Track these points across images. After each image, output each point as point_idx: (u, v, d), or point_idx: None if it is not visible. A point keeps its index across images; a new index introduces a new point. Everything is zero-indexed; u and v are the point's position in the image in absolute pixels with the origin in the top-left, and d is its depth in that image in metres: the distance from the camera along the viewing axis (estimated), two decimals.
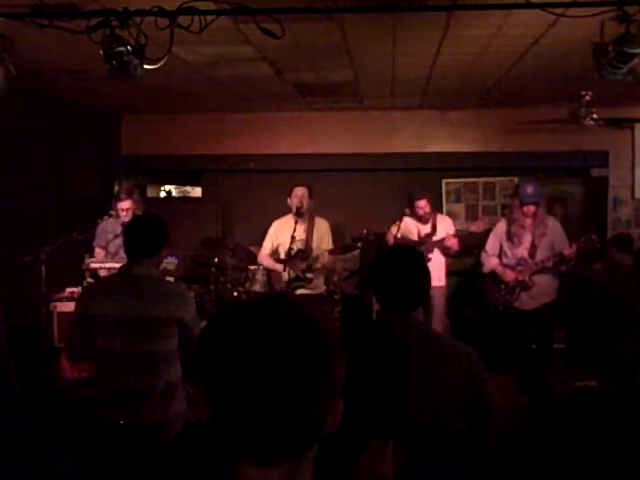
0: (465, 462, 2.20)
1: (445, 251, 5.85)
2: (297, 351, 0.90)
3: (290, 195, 5.65)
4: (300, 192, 5.62)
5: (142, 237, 3.04)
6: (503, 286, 5.45)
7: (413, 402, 2.06)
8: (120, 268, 3.19)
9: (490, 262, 5.53)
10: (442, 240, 5.82)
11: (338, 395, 0.96)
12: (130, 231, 3.08)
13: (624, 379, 4.77)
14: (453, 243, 5.75)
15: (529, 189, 5.28)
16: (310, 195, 5.64)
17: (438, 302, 5.75)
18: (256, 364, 0.89)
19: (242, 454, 0.93)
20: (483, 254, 5.62)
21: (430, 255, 5.65)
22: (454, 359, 2.20)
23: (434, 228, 5.96)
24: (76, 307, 3.13)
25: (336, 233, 5.96)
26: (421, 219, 5.98)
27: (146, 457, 2.92)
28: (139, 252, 3.01)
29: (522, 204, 5.30)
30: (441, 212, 7.01)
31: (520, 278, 5.34)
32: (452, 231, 5.87)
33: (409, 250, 2.53)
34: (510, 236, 5.44)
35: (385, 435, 1.55)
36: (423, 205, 5.89)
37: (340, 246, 5.95)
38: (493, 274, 5.54)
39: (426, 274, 2.36)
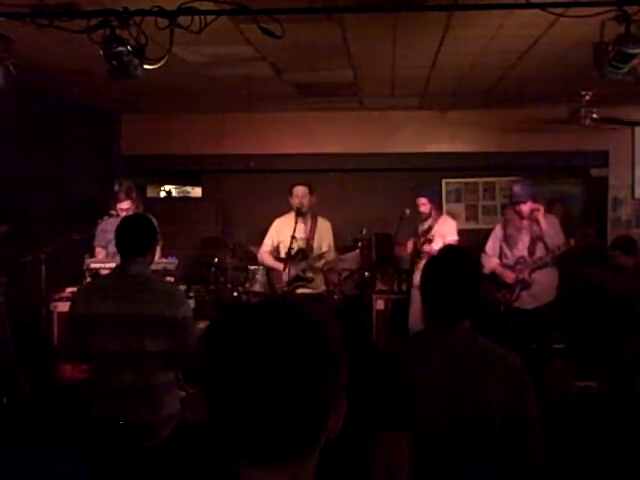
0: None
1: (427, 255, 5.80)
2: (299, 351, 0.91)
3: (291, 195, 5.65)
4: (300, 192, 5.60)
5: (133, 237, 3.05)
6: (503, 285, 5.45)
7: (449, 409, 2.01)
8: (115, 268, 3.20)
9: (490, 263, 5.53)
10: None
11: (341, 395, 0.97)
12: (121, 231, 3.08)
13: (622, 381, 4.77)
14: (428, 249, 5.70)
15: (516, 189, 5.36)
16: (311, 193, 5.64)
17: None
18: (258, 365, 0.89)
19: (246, 456, 0.92)
20: (483, 255, 5.62)
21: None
22: (500, 369, 2.06)
23: (429, 229, 5.93)
24: (71, 306, 3.14)
25: (336, 233, 5.96)
26: (422, 219, 5.99)
27: (139, 455, 2.93)
28: (132, 251, 3.02)
29: (513, 204, 5.35)
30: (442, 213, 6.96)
31: (520, 277, 5.35)
32: (449, 237, 5.81)
33: (460, 254, 2.26)
34: (506, 237, 5.48)
35: (402, 428, 1.55)
36: (421, 203, 5.90)
37: (341, 247, 5.96)
38: (493, 275, 5.54)
39: (478, 282, 2.17)
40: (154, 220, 5.16)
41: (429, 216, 5.96)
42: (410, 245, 5.96)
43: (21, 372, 4.06)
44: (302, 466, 0.94)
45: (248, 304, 1.03)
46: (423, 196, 5.92)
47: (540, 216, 5.32)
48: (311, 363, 0.91)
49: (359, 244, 6.35)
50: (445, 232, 5.82)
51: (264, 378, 0.89)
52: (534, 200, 5.34)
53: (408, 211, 5.95)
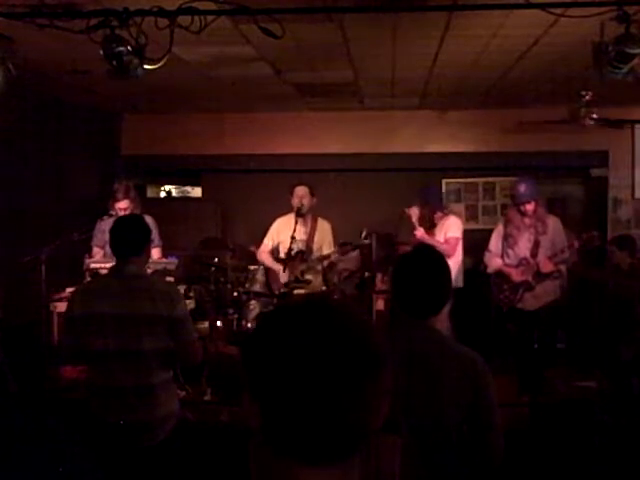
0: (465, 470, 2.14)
1: None
2: (348, 351, 0.92)
3: (291, 194, 5.64)
4: (301, 192, 5.60)
5: (128, 237, 3.06)
6: (506, 286, 5.43)
7: (415, 406, 2.05)
8: (111, 268, 3.20)
9: (494, 262, 5.53)
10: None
11: (386, 394, 0.98)
12: (115, 232, 3.09)
13: (620, 381, 4.78)
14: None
15: (522, 188, 5.32)
16: (312, 194, 5.63)
17: None
18: (308, 365, 0.90)
19: (295, 456, 0.94)
20: (487, 254, 5.61)
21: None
22: (458, 366, 2.12)
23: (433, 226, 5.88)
24: (68, 307, 3.14)
25: (336, 233, 5.95)
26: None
27: (138, 455, 2.93)
28: (127, 252, 3.03)
29: (517, 204, 5.33)
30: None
31: (523, 278, 5.34)
32: (450, 232, 5.75)
33: (430, 253, 2.35)
34: (506, 237, 5.46)
35: (393, 431, 1.54)
36: (413, 212, 5.78)
37: (340, 248, 5.92)
38: (495, 275, 5.53)
39: (446, 279, 2.25)
40: (153, 220, 5.16)
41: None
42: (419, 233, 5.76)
43: (8, 371, 4.06)
44: (348, 465, 0.96)
45: (295, 302, 1.04)
46: (415, 205, 5.80)
47: (546, 216, 5.33)
48: (359, 363, 0.92)
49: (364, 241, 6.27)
50: (447, 228, 5.68)
51: (312, 378, 0.90)
52: (538, 199, 5.33)
53: (408, 211, 5.94)
